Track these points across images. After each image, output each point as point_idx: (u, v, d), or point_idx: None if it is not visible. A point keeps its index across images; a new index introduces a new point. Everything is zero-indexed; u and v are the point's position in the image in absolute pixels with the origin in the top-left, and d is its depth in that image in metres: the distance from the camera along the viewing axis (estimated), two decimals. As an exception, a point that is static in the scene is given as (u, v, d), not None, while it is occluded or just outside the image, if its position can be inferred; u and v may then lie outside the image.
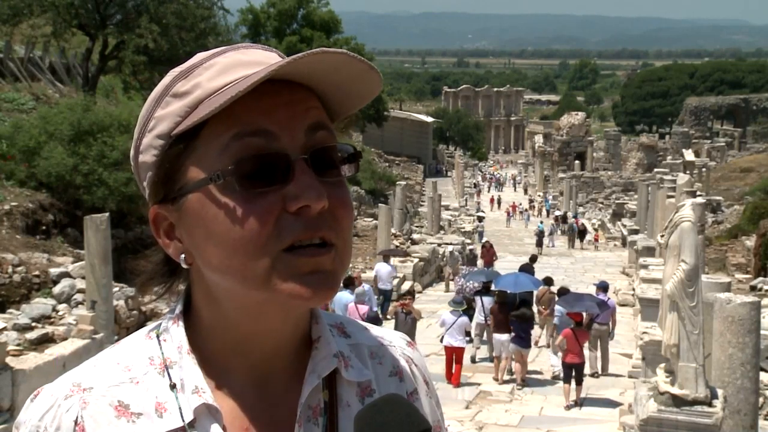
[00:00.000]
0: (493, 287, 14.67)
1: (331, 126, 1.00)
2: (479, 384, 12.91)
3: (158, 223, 1.02)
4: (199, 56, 1.01)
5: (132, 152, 1.04)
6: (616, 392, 12.33)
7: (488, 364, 14.36)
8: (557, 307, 14.13)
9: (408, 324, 12.18)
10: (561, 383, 12.27)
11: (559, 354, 12.52)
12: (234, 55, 0.99)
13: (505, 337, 12.87)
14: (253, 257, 0.92)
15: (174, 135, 0.97)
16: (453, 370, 12.70)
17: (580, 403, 11.67)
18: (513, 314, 12.83)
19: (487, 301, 14.15)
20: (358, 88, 1.00)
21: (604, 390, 12.57)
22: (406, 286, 20.45)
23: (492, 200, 57.10)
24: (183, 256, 1.00)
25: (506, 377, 13.07)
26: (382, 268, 18.00)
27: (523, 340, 12.78)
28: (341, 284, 14.10)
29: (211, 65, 0.98)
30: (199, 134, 0.96)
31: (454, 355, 12.64)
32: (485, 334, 14.52)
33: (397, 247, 22.96)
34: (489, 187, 67.97)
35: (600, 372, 13.74)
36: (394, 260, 19.71)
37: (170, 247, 1.01)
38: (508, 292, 13.89)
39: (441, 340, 12.86)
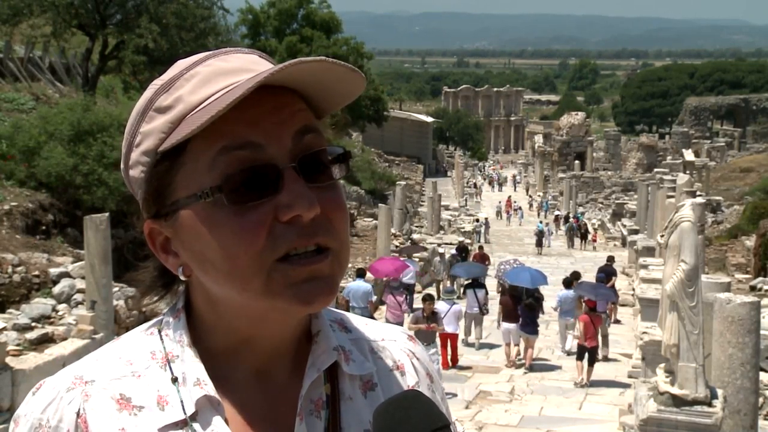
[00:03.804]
0: (508, 281, 16.04)
1: (318, 127, 1.00)
2: (479, 383, 12.94)
3: (154, 238, 1.02)
4: (180, 65, 1.00)
5: (122, 165, 1.04)
6: (616, 392, 12.35)
7: (488, 365, 14.52)
8: (558, 293, 15.62)
9: (429, 334, 12.50)
10: (560, 383, 12.95)
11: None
12: (214, 62, 0.98)
13: (513, 326, 14.11)
14: (248, 270, 0.93)
15: (160, 152, 0.97)
16: (450, 356, 13.94)
17: (588, 384, 12.64)
18: (524, 303, 14.21)
19: (480, 294, 15.82)
20: (342, 87, 1.00)
21: (605, 389, 12.59)
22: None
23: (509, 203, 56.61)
24: (181, 268, 1.00)
25: (518, 360, 14.22)
26: None
27: (529, 327, 14.02)
28: (355, 275, 15.23)
29: (192, 76, 0.97)
30: (185, 149, 0.95)
31: (449, 341, 13.84)
32: (473, 324, 16.12)
33: (397, 246, 23.18)
34: (493, 187, 67.90)
35: (600, 357, 14.28)
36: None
37: (168, 261, 1.02)
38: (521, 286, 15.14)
39: None
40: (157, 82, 1.00)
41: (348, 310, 13.97)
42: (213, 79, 0.96)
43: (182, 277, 1.01)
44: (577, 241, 38.95)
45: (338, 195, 0.99)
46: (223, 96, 0.93)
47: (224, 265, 0.94)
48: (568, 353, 14.99)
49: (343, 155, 1.01)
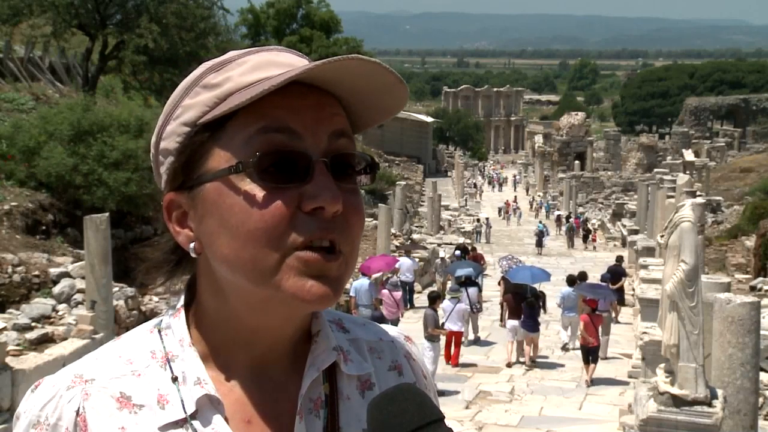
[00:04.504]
0: (510, 279, 16.56)
1: (352, 135, 1.02)
2: (479, 383, 12.95)
3: (171, 210, 1.03)
4: (233, 53, 1.02)
5: (154, 139, 1.05)
6: (616, 392, 12.35)
7: (488, 365, 14.56)
8: (561, 291, 16.00)
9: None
10: (560, 383, 13.12)
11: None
12: (267, 55, 1.01)
13: (518, 322, 14.35)
14: (264, 249, 0.94)
15: (200, 123, 0.98)
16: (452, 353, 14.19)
17: (590, 383, 12.81)
18: (525, 302, 14.45)
19: (471, 291, 16.01)
20: (383, 101, 1.02)
21: (605, 389, 12.60)
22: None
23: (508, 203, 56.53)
24: (193, 245, 1.01)
25: (522, 359, 14.47)
26: (405, 261, 19.59)
27: (530, 325, 14.21)
28: (360, 274, 15.60)
29: (244, 62, 0.99)
30: (225, 125, 0.97)
31: (453, 338, 14.09)
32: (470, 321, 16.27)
33: (397, 247, 23.22)
34: (493, 187, 68.02)
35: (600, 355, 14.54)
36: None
37: (180, 235, 1.03)
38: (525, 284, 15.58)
39: (442, 326, 13.83)
40: (209, 63, 1.02)
41: (356, 308, 14.57)
42: (264, 66, 0.98)
43: (193, 254, 1.01)
44: (578, 241, 38.93)
45: (359, 201, 1.00)
46: (274, 78, 0.95)
47: (240, 242, 0.94)
48: (571, 349, 15.31)
49: (371, 165, 1.03)
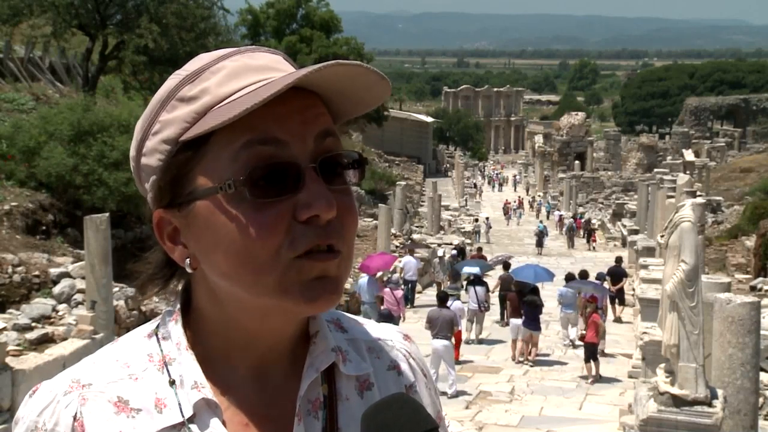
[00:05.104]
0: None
1: (337, 132, 1.01)
2: (479, 383, 12.94)
3: (162, 228, 1.01)
4: (204, 58, 0.99)
5: (133, 153, 1.03)
6: (616, 392, 12.35)
7: (488, 365, 14.56)
8: (559, 289, 16.28)
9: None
10: (560, 383, 13.19)
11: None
12: (241, 58, 0.98)
13: (520, 321, 14.53)
14: (263, 266, 0.93)
15: (182, 141, 0.96)
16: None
17: (596, 379, 13.07)
18: (524, 300, 14.58)
19: (479, 290, 16.18)
20: (366, 95, 1.01)
21: (605, 389, 12.60)
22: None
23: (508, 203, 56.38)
24: (188, 261, 1.00)
25: (521, 357, 14.65)
26: (409, 261, 19.67)
27: (532, 323, 14.36)
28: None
29: (219, 69, 0.97)
30: (208, 141, 0.95)
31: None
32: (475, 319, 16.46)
33: (398, 246, 23.24)
34: (493, 187, 68.06)
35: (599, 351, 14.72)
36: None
37: (174, 252, 1.01)
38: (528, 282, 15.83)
39: None
40: (181, 73, 0.99)
41: (360, 305, 14.78)
42: (242, 74, 0.96)
43: (189, 270, 1.00)
44: (580, 241, 38.89)
45: (352, 200, 0.99)
46: (258, 90, 0.93)
47: (238, 260, 0.93)
48: (573, 344, 15.61)
49: (359, 161, 1.01)
